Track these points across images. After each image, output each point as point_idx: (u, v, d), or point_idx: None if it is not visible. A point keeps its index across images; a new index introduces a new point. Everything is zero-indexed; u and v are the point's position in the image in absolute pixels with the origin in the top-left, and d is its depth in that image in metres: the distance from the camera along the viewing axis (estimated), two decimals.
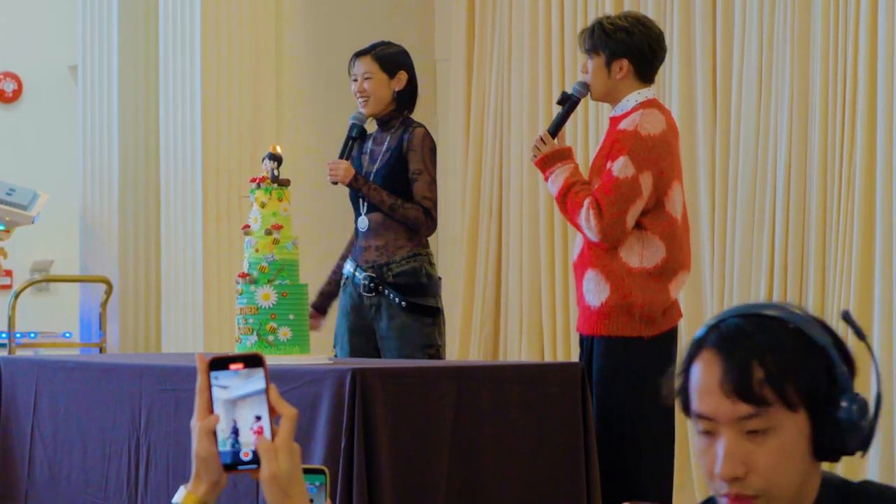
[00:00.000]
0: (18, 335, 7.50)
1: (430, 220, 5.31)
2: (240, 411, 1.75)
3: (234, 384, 1.76)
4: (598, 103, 6.25)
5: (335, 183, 5.34)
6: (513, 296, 7.52)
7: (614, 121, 4.89)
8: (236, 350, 4.27)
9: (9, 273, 9.38)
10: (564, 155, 4.87)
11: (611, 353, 4.76)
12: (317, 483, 1.94)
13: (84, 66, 7.84)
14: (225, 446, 1.74)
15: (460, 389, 4.09)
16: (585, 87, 4.90)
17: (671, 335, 4.86)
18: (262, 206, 4.31)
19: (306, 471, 1.94)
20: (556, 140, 4.90)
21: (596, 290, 4.77)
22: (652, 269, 4.75)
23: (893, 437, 6.11)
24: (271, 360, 4.13)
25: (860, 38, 6.25)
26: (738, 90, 6.70)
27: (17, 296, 7.46)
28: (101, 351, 7.56)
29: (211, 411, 1.75)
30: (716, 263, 6.72)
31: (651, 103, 4.87)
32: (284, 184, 4.34)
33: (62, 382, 4.85)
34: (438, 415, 4.02)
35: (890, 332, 6.12)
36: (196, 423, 1.75)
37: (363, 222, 5.35)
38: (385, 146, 5.36)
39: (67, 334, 7.90)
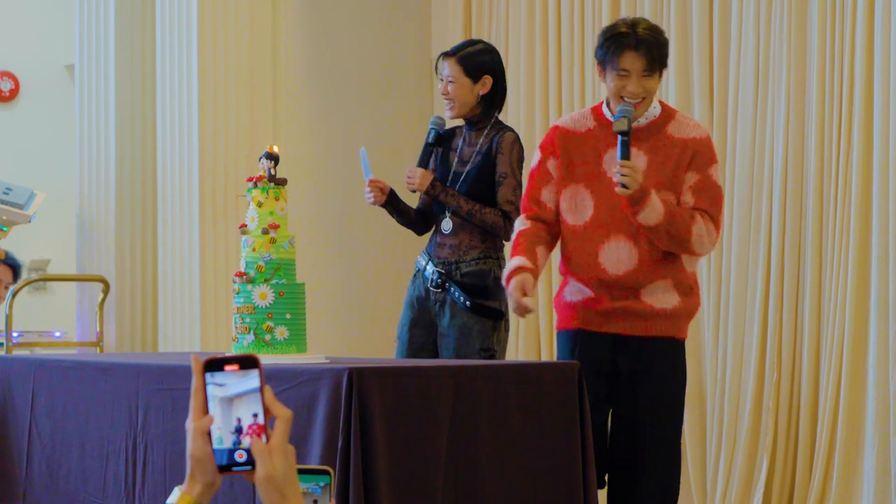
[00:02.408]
0: (15, 334, 7.50)
1: (509, 224, 5.25)
2: (240, 409, 1.75)
3: (230, 383, 1.76)
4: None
5: (413, 191, 5.29)
6: None
7: (651, 128, 4.65)
8: (233, 349, 4.27)
9: None
10: (644, 193, 4.55)
11: (677, 355, 4.73)
12: (321, 484, 1.94)
13: (81, 66, 7.84)
14: (221, 444, 1.74)
15: (457, 388, 4.09)
16: (632, 107, 4.59)
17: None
18: (259, 205, 4.30)
19: (311, 471, 1.93)
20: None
21: (665, 298, 4.65)
22: (692, 273, 4.75)
23: (891, 441, 6.11)
24: (268, 359, 4.13)
25: (857, 38, 6.25)
26: (734, 91, 6.71)
27: (14, 295, 7.46)
28: (98, 350, 7.56)
29: (206, 413, 1.75)
30: (713, 265, 6.72)
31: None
32: (281, 183, 4.34)
33: (59, 382, 4.85)
34: (436, 414, 4.02)
35: (886, 332, 6.12)
36: (191, 424, 1.75)
37: (447, 224, 5.30)
38: (477, 148, 5.32)
39: (64, 333, 7.90)
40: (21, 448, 4.94)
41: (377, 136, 7.96)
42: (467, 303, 5.19)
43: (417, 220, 5.46)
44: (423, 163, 5.32)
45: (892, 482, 6.09)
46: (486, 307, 5.22)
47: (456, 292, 5.21)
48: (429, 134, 5.32)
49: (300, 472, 1.90)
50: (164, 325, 7.42)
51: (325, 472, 1.96)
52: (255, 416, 1.75)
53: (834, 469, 6.26)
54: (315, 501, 1.92)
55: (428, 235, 5.47)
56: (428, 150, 5.33)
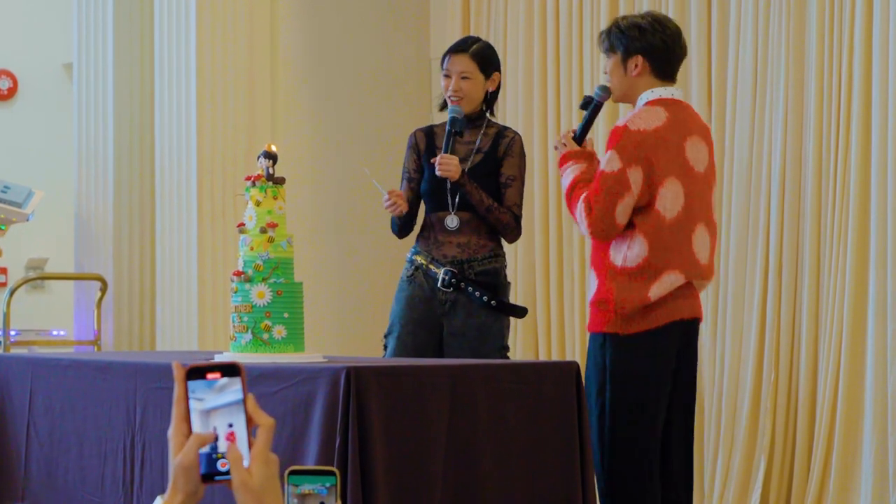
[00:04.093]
0: (13, 332, 7.50)
1: (518, 227, 5.28)
2: (216, 420, 1.74)
3: (209, 397, 1.74)
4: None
5: (444, 178, 5.22)
6: None
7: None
8: (231, 348, 4.27)
9: (3, 271, 9.37)
10: (578, 155, 4.85)
11: (591, 349, 4.78)
12: (327, 485, 1.93)
13: (79, 64, 7.84)
14: (202, 451, 1.73)
15: (455, 388, 4.08)
16: (606, 91, 4.86)
17: (654, 335, 4.79)
18: (258, 204, 4.30)
19: (317, 472, 1.92)
20: (584, 144, 4.91)
21: (592, 287, 4.80)
22: (633, 268, 4.69)
23: (889, 441, 6.11)
24: (266, 358, 4.13)
25: (855, 37, 6.25)
26: (732, 92, 6.71)
27: (11, 294, 7.46)
28: (95, 349, 7.55)
29: (188, 421, 1.74)
30: None
31: (659, 101, 4.79)
32: (279, 182, 4.33)
33: (57, 380, 4.85)
34: (433, 413, 4.01)
35: (884, 334, 6.12)
36: (173, 433, 1.74)
37: (453, 220, 5.27)
38: (475, 146, 5.30)
39: (62, 332, 7.90)
40: (19, 447, 4.94)
41: (376, 135, 7.96)
42: (492, 302, 5.18)
43: (406, 223, 5.43)
44: (450, 151, 5.27)
45: (889, 482, 6.09)
46: (511, 305, 5.23)
47: (476, 292, 5.19)
48: (452, 122, 5.26)
49: (306, 473, 1.89)
50: (161, 323, 7.42)
51: (331, 473, 1.94)
52: (231, 425, 1.73)
53: (832, 469, 6.26)
54: (322, 503, 1.91)
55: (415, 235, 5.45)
56: (452, 138, 5.28)
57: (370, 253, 7.94)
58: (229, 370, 1.74)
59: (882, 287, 6.12)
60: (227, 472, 1.72)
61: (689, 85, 6.86)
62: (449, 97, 5.30)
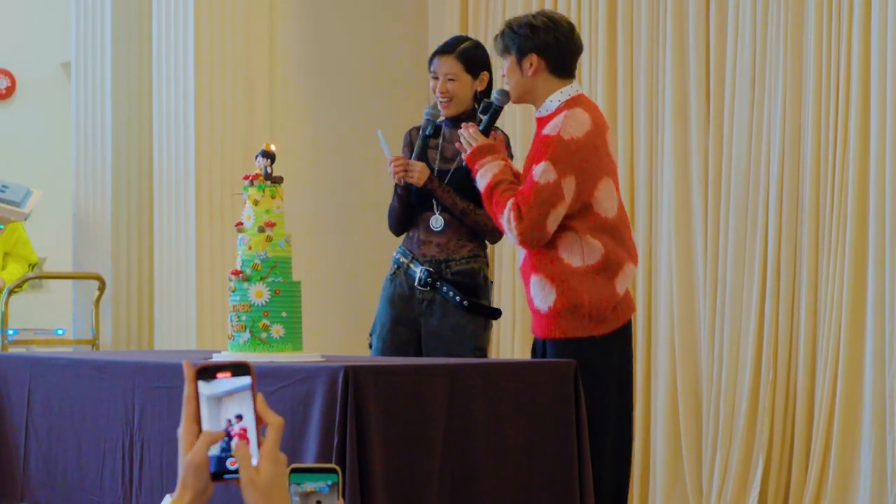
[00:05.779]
0: (11, 332, 7.50)
1: (498, 229, 5.26)
2: (229, 410, 1.74)
3: (219, 388, 1.75)
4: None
5: (409, 184, 5.22)
6: (505, 295, 7.52)
7: (541, 122, 4.78)
8: (229, 348, 4.27)
9: None
10: (493, 149, 4.81)
11: (564, 355, 4.68)
12: (329, 483, 1.93)
13: (77, 64, 7.84)
14: (212, 450, 1.74)
15: (453, 387, 4.09)
16: (506, 95, 4.85)
17: (624, 331, 4.77)
18: (256, 203, 4.30)
19: (319, 470, 1.92)
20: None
21: (542, 295, 4.68)
22: (595, 265, 4.66)
23: (887, 440, 6.12)
24: (264, 357, 4.13)
25: (853, 39, 6.26)
26: (731, 90, 6.71)
27: (10, 293, 7.46)
28: (94, 348, 7.55)
29: (198, 420, 1.74)
30: (709, 264, 6.72)
31: (575, 101, 4.74)
32: (278, 181, 4.34)
33: (55, 380, 4.85)
34: (431, 413, 4.02)
35: (883, 330, 6.12)
36: (183, 432, 1.74)
37: (438, 221, 5.25)
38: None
39: (60, 331, 7.90)
40: (18, 446, 4.94)
41: (374, 134, 7.96)
42: (464, 302, 5.17)
43: (405, 216, 5.40)
44: (420, 156, 5.28)
45: (888, 480, 6.10)
46: (483, 306, 5.21)
47: (450, 291, 5.18)
48: (426, 126, 5.29)
49: (307, 471, 1.89)
50: (160, 322, 7.42)
51: (333, 471, 1.94)
52: (240, 417, 1.74)
53: (830, 467, 6.26)
54: (318, 502, 1.91)
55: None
56: (425, 142, 5.29)
57: (368, 252, 7.94)
58: (239, 369, 1.75)
59: (880, 285, 6.13)
60: (236, 471, 1.73)
61: (688, 83, 6.86)
62: (438, 100, 5.30)
